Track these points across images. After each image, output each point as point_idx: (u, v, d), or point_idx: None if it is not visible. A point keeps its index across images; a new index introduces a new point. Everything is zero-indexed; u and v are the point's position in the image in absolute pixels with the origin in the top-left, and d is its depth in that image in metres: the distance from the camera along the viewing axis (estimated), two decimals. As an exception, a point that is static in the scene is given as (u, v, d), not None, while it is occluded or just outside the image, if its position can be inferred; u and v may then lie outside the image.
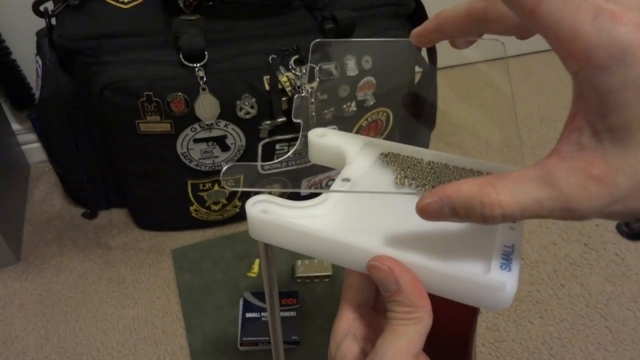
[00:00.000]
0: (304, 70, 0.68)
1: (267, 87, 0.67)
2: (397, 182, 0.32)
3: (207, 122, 0.66)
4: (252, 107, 0.68)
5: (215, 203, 0.78)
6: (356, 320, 0.29)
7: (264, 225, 0.29)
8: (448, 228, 0.28)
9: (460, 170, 0.33)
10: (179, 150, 0.69)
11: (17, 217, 0.84)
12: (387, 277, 0.25)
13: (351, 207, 0.30)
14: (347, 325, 0.29)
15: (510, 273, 0.25)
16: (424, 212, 0.24)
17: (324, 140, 0.37)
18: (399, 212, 0.30)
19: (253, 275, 0.75)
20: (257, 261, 0.77)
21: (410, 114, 0.91)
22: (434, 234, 0.28)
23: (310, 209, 0.30)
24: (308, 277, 0.73)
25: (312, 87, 0.69)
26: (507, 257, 0.26)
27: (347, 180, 0.32)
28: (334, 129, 0.38)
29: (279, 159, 0.76)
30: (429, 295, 0.26)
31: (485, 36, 0.30)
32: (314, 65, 0.69)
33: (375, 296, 0.31)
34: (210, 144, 0.70)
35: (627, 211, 0.20)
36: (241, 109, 0.68)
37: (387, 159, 0.34)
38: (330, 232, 0.28)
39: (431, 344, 0.29)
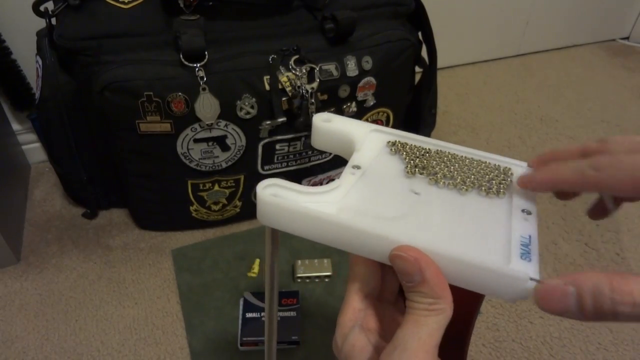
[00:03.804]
0: (304, 70, 0.68)
1: (267, 87, 0.67)
2: (407, 171, 0.31)
3: (207, 122, 0.66)
4: (252, 107, 0.68)
5: (216, 203, 0.78)
6: (362, 311, 0.29)
7: (275, 210, 0.28)
8: (465, 218, 0.28)
9: (468, 160, 0.33)
10: (179, 150, 0.69)
11: (17, 217, 0.84)
12: (413, 268, 0.25)
13: (364, 194, 0.30)
14: (354, 316, 0.28)
15: (531, 263, 0.25)
16: (545, 299, 0.23)
17: (330, 126, 0.36)
18: (413, 200, 0.29)
19: (253, 275, 0.75)
20: (257, 261, 0.77)
21: (410, 114, 0.91)
22: (452, 223, 0.28)
23: (322, 195, 0.29)
24: (308, 277, 0.73)
25: (312, 88, 0.69)
26: (526, 248, 0.26)
27: (358, 167, 0.32)
28: None
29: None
30: None
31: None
32: (314, 66, 0.69)
33: (381, 286, 0.30)
34: (210, 144, 0.70)
35: None
36: (241, 109, 0.68)
37: (395, 147, 0.34)
38: (349, 219, 0.27)
39: None
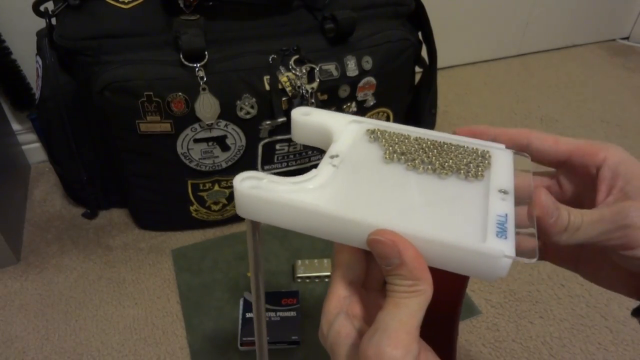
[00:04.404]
0: (303, 70, 0.68)
1: (267, 87, 0.67)
2: (386, 157, 0.31)
3: (207, 122, 0.66)
4: (252, 107, 0.68)
5: (216, 203, 0.78)
6: (347, 298, 0.29)
7: (254, 202, 0.28)
8: (442, 201, 0.28)
9: (447, 145, 0.33)
10: (179, 150, 0.69)
11: (17, 217, 0.84)
12: (391, 251, 0.25)
13: (343, 181, 0.30)
14: (339, 304, 0.28)
15: (507, 241, 0.25)
16: None
17: (309, 119, 0.36)
18: (391, 184, 0.30)
19: (253, 275, 0.75)
20: (257, 261, 0.76)
21: (410, 114, 0.91)
22: (429, 207, 0.28)
23: (300, 184, 0.29)
24: (308, 277, 0.73)
25: (312, 88, 0.69)
26: (502, 226, 0.26)
27: (336, 156, 0.32)
28: None
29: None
30: None
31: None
32: (314, 66, 0.69)
33: (366, 273, 0.31)
34: (210, 144, 0.70)
35: None
36: (241, 109, 0.68)
37: (374, 135, 0.34)
38: (327, 206, 0.27)
39: None
